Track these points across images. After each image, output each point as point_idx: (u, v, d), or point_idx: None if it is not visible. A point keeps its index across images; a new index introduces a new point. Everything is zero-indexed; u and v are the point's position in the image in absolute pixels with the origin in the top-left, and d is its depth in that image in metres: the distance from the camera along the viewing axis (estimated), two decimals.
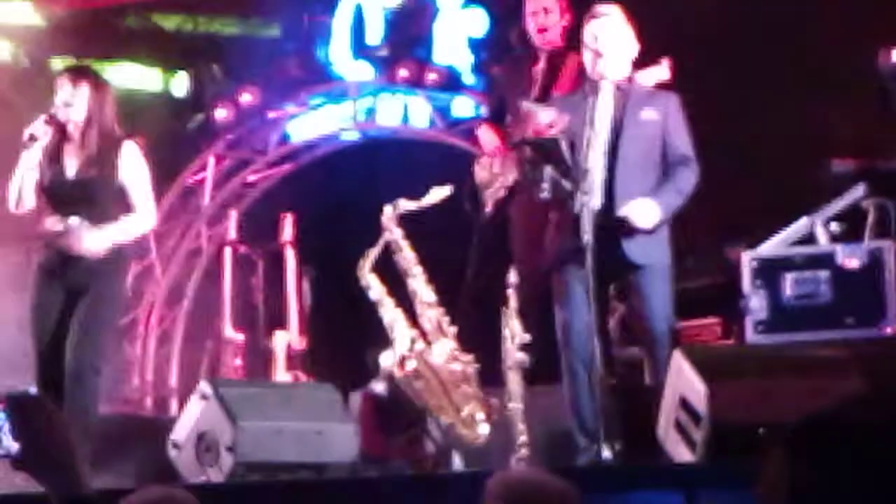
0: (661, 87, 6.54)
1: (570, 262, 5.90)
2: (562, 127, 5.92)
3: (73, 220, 6.29)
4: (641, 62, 6.38)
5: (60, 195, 6.36)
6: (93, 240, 6.29)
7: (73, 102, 6.35)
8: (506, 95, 7.41)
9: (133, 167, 6.39)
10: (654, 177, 6.08)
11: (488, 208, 7.36)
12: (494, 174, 7.30)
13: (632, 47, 6.22)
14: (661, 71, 6.66)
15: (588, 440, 5.88)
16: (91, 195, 6.33)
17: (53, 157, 6.39)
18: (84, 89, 6.37)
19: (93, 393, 6.32)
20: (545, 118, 5.98)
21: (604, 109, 6.06)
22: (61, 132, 6.39)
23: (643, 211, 5.96)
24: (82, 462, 2.63)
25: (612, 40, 6.12)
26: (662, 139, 6.11)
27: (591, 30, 6.18)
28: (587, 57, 6.20)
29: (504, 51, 9.11)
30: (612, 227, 5.94)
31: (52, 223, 6.37)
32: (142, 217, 6.44)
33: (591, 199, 5.86)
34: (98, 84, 6.46)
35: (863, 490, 1.78)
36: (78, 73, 6.48)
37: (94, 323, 6.27)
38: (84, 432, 6.14)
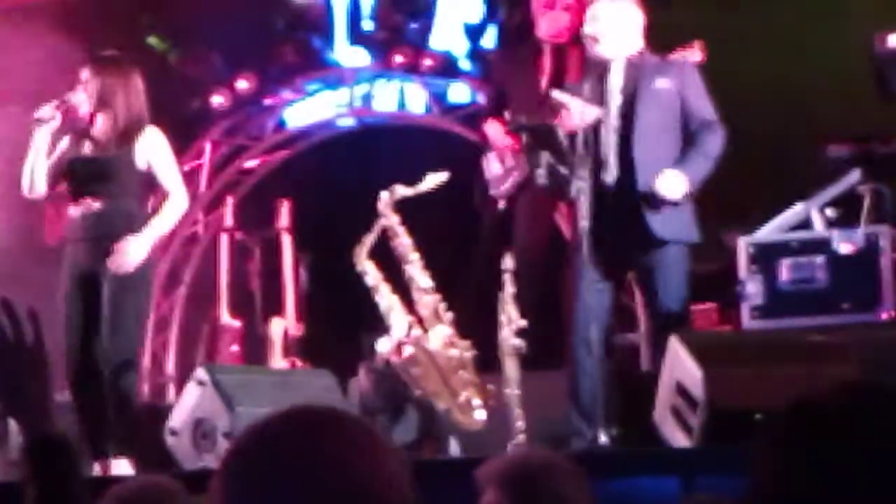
0: None
1: (580, 247, 5.91)
2: (595, 117, 5.91)
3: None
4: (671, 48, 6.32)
5: (80, 174, 6.42)
6: (135, 250, 6.29)
7: (85, 90, 6.45)
8: (504, 85, 7.36)
9: (158, 150, 6.45)
10: (671, 144, 6.01)
11: (500, 205, 7.26)
12: (507, 170, 7.21)
13: (636, 21, 6.16)
14: (693, 55, 6.43)
15: (586, 425, 5.88)
16: (109, 173, 6.37)
17: (76, 140, 6.49)
18: (96, 79, 6.44)
19: (131, 387, 6.31)
20: (577, 109, 5.95)
21: (614, 87, 6.03)
22: (82, 117, 6.49)
23: (669, 181, 5.88)
24: (54, 405, 2.58)
25: (608, 22, 6.10)
26: (680, 107, 6.04)
27: (589, 13, 6.17)
28: (586, 40, 6.19)
29: (503, 39, 9.12)
30: (635, 201, 5.91)
31: (75, 212, 6.41)
32: (175, 201, 6.48)
33: (607, 178, 5.84)
34: (111, 71, 6.49)
35: (857, 476, 1.78)
36: (94, 62, 6.53)
37: (121, 315, 6.26)
38: (129, 422, 6.18)
